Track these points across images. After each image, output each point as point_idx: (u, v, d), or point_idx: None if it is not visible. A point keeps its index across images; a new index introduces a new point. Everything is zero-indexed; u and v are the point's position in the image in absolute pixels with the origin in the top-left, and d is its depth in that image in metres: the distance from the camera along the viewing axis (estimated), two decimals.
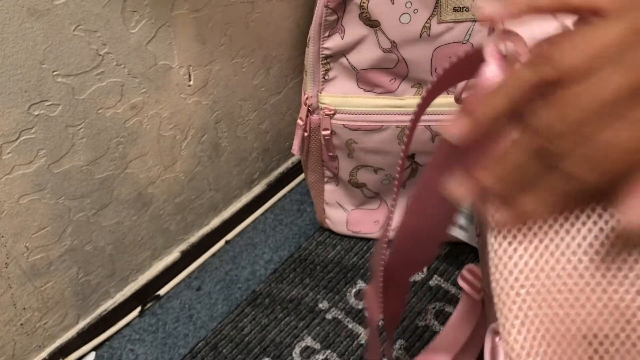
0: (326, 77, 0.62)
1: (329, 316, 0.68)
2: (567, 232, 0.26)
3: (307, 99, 0.63)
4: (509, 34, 0.26)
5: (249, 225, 0.78)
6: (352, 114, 0.62)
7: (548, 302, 0.26)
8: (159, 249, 0.71)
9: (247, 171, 0.76)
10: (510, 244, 0.26)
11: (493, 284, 0.27)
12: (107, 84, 0.52)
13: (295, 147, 0.66)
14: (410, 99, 0.61)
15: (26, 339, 0.61)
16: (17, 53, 0.45)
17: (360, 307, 0.68)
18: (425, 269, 0.71)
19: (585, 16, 0.25)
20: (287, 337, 0.66)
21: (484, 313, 0.44)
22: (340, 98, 0.62)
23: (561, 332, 0.26)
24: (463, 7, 0.55)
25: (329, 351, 0.65)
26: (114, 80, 0.53)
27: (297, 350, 0.65)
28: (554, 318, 0.26)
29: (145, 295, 0.71)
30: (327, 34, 0.58)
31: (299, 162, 0.82)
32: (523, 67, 0.25)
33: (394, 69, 0.60)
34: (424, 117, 0.61)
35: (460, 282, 0.44)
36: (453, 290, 0.68)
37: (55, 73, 0.48)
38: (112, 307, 0.68)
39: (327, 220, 0.75)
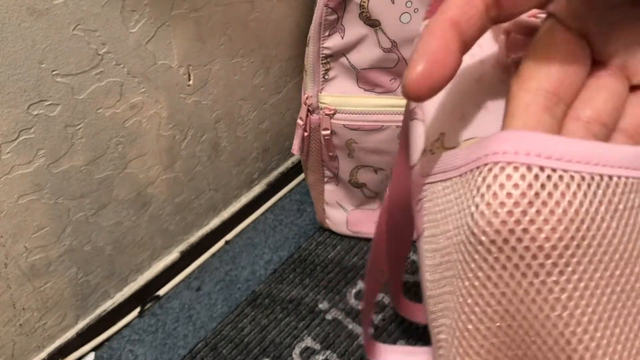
0: (326, 77, 0.61)
1: (329, 316, 0.67)
2: None
3: (307, 98, 0.63)
4: None
5: (248, 226, 0.78)
6: (352, 113, 0.62)
7: None
8: (158, 249, 0.70)
9: (246, 171, 0.76)
10: None
11: None
12: (107, 83, 0.52)
13: (295, 147, 0.66)
14: None
15: (25, 340, 0.61)
16: (17, 52, 0.45)
17: (360, 307, 0.68)
18: None
19: None
20: (287, 337, 0.66)
21: None
22: (340, 98, 0.62)
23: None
24: None
25: (329, 352, 0.64)
26: (113, 80, 0.53)
27: (297, 350, 0.65)
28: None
29: (144, 296, 0.70)
30: (327, 33, 0.58)
31: (299, 162, 0.82)
32: None
33: (394, 68, 0.59)
34: None
35: None
36: None
37: (54, 73, 0.48)
38: (111, 307, 0.67)
39: (327, 220, 0.75)
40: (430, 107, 0.26)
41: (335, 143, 0.65)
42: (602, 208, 0.19)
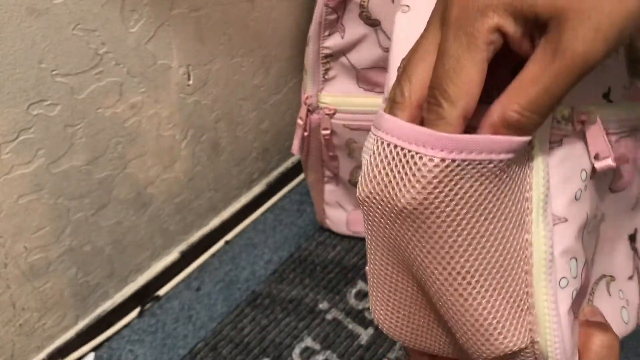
0: (326, 77, 0.61)
1: (329, 317, 0.67)
2: None
3: (306, 98, 0.63)
4: None
5: (248, 226, 0.78)
6: (352, 113, 0.62)
7: None
8: (158, 249, 0.70)
9: (246, 171, 0.76)
10: None
11: None
12: (106, 83, 0.52)
13: (295, 147, 0.66)
14: None
15: (25, 340, 0.61)
16: (16, 52, 0.45)
17: (360, 307, 0.68)
18: None
19: None
20: (287, 337, 0.66)
21: None
22: (340, 97, 0.62)
23: None
24: None
25: (329, 352, 0.64)
26: (113, 80, 0.53)
27: (297, 351, 0.65)
28: None
29: (144, 296, 0.70)
30: (327, 33, 0.58)
31: (299, 162, 0.82)
32: None
33: None
34: None
35: None
36: None
37: (54, 72, 0.48)
38: (111, 307, 0.67)
39: (327, 220, 0.75)
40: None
41: (335, 143, 0.65)
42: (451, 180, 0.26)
